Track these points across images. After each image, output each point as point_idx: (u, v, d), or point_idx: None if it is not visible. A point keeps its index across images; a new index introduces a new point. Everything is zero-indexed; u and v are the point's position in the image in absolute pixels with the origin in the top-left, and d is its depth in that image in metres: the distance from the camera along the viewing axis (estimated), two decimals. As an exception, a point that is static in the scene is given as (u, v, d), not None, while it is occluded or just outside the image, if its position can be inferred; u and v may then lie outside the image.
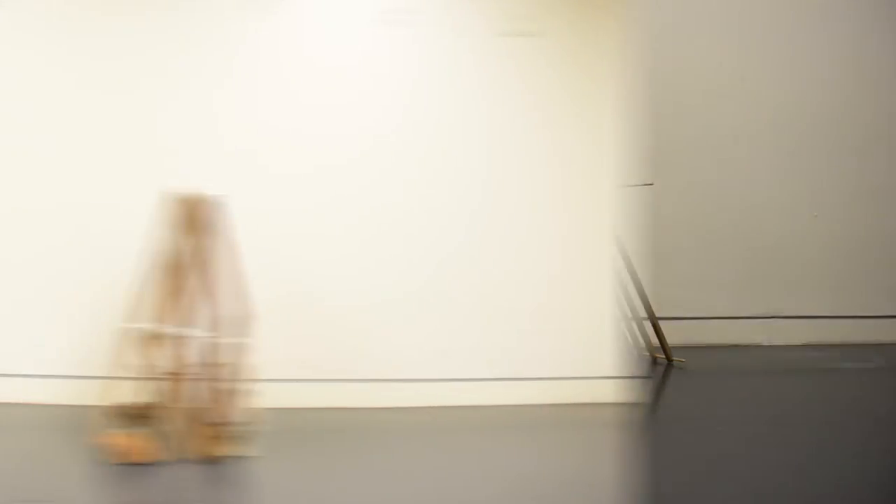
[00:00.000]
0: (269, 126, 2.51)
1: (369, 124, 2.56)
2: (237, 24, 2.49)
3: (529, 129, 2.65)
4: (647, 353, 3.44)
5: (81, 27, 2.44)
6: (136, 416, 2.01)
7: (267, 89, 2.52)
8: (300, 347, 2.45)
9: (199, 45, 2.49)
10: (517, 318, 2.61)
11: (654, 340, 3.46)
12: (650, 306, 3.39)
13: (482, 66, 2.62)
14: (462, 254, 2.60)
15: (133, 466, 1.73)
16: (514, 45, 2.62)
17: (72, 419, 2.06)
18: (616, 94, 2.66)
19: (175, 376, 1.88)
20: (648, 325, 3.46)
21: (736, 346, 3.80)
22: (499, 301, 2.60)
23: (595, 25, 2.67)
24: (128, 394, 2.06)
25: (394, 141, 2.57)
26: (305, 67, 2.54)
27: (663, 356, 3.42)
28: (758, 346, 3.84)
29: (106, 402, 1.84)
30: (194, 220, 1.93)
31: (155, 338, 1.86)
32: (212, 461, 1.79)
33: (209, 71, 2.49)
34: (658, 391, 3.11)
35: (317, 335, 2.49)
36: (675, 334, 3.51)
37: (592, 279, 2.66)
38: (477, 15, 2.62)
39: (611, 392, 2.59)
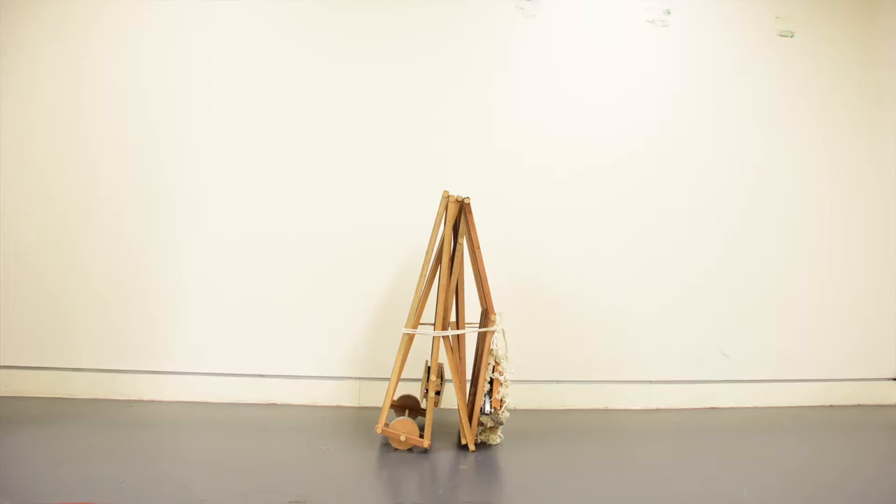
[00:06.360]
0: (537, 125, 2.53)
1: (637, 124, 2.56)
2: (504, 25, 2.53)
3: (797, 129, 2.62)
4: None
5: (365, 34, 2.51)
6: (410, 409, 2.18)
7: (534, 89, 2.54)
8: (552, 347, 2.50)
9: (472, 44, 2.53)
10: (791, 319, 2.60)
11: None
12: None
13: (747, 66, 2.61)
14: (730, 255, 2.59)
15: (407, 453, 1.90)
16: (778, 44, 2.61)
17: (356, 417, 2.26)
18: (885, 89, 2.63)
19: (457, 373, 1.98)
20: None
21: None
22: (771, 303, 2.59)
23: (858, 22, 2.64)
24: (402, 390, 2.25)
25: (662, 140, 2.57)
26: (572, 68, 2.55)
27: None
28: None
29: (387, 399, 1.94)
30: (460, 220, 1.98)
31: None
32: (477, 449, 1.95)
33: (480, 69, 2.54)
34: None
35: (575, 336, 2.51)
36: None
37: (870, 281, 2.64)
38: (740, 14, 2.61)
39: (892, 394, 2.59)
